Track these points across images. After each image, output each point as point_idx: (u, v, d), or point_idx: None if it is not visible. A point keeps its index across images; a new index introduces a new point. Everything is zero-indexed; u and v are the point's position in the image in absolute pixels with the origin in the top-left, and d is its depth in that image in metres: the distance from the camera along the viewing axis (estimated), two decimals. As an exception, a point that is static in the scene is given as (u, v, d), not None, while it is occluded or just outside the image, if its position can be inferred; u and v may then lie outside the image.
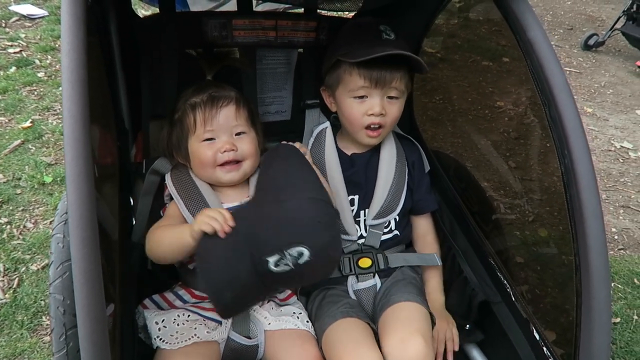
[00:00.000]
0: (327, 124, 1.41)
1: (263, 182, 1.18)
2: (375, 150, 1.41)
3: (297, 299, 1.30)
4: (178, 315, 1.14)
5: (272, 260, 0.97)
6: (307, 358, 1.15)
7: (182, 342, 1.08)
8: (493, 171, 2.01)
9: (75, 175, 0.66)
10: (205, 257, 1.04)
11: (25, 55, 3.94)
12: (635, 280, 2.33)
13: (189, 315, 1.15)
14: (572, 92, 1.01)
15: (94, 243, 0.65)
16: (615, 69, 4.93)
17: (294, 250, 0.97)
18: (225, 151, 1.21)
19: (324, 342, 1.18)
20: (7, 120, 3.10)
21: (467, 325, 1.31)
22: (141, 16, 1.41)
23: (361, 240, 1.35)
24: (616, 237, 2.67)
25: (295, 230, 1.00)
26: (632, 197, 3.04)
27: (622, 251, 2.57)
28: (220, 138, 1.23)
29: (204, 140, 1.23)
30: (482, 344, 1.32)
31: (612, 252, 2.56)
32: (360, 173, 1.38)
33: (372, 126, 1.30)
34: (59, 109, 3.31)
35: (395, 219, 1.38)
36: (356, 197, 1.36)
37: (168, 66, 1.32)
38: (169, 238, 1.14)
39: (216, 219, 1.02)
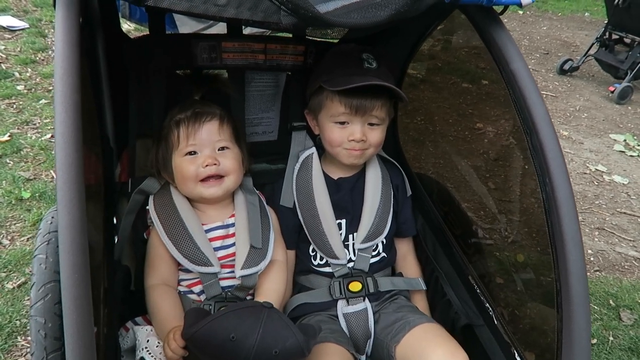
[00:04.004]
0: (313, 149, 1.42)
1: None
2: (361, 174, 1.43)
3: None
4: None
5: None
6: None
7: None
8: (473, 192, 2.05)
9: (67, 200, 0.66)
10: None
11: (4, 67, 3.88)
12: (611, 302, 2.38)
13: (172, 338, 1.14)
14: (552, 122, 1.05)
15: (84, 269, 0.65)
16: (589, 93, 5.09)
17: None
18: (207, 165, 1.21)
19: None
20: (-16, 134, 3.04)
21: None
22: (125, 31, 1.42)
23: (350, 264, 1.36)
24: (592, 259, 2.73)
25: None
26: (607, 219, 3.12)
27: (597, 273, 2.63)
28: (202, 152, 1.23)
29: (187, 154, 1.23)
30: (465, 366, 1.33)
31: (588, 273, 2.61)
32: (346, 197, 1.39)
33: (352, 151, 1.32)
34: (38, 122, 3.26)
35: (382, 242, 1.39)
36: (343, 221, 1.37)
37: (156, 87, 1.32)
38: (157, 318, 1.16)
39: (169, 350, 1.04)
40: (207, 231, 1.24)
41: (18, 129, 3.15)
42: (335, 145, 1.33)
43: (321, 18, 0.93)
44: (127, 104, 1.36)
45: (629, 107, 4.87)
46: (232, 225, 1.27)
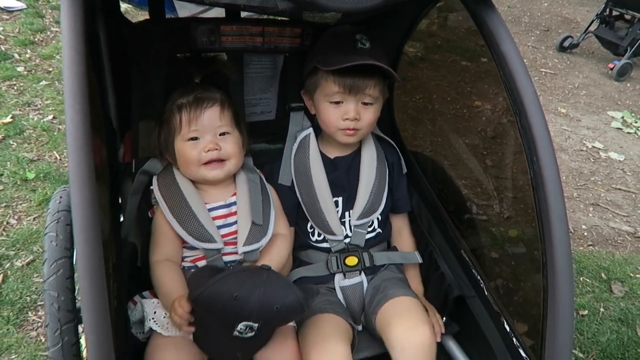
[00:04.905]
0: (310, 129, 1.46)
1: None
2: (357, 153, 1.47)
3: None
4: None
5: (239, 326, 1.05)
6: (288, 353, 1.21)
7: (173, 331, 1.14)
8: (469, 170, 2.09)
9: (79, 182, 0.71)
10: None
11: (3, 49, 3.89)
12: (602, 275, 2.45)
13: (178, 310, 1.20)
14: (540, 103, 1.09)
15: (98, 245, 0.70)
16: (588, 70, 5.09)
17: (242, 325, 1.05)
18: (209, 150, 1.26)
19: (299, 336, 1.24)
20: (-14, 116, 3.07)
21: (444, 318, 1.38)
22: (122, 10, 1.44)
23: (347, 240, 1.41)
24: (586, 234, 2.80)
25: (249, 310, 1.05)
26: (602, 195, 3.17)
27: (590, 247, 2.70)
28: (204, 138, 1.27)
29: (189, 139, 1.27)
30: (458, 335, 1.39)
31: (581, 247, 2.68)
32: (343, 176, 1.44)
33: (347, 130, 1.37)
34: (40, 104, 3.28)
35: (378, 218, 1.45)
36: (340, 199, 1.42)
37: (157, 70, 1.35)
38: (162, 291, 1.21)
39: (177, 317, 1.09)
40: (209, 210, 1.29)
41: (20, 110, 3.18)
42: (330, 125, 1.38)
43: (316, 3, 0.97)
44: (129, 87, 1.39)
45: (628, 84, 4.88)
46: (234, 204, 1.32)
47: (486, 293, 1.33)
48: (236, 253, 1.27)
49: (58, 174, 2.64)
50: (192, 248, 1.27)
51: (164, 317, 1.17)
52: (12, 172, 2.60)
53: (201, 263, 1.28)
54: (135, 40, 1.32)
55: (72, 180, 0.71)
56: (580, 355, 1.99)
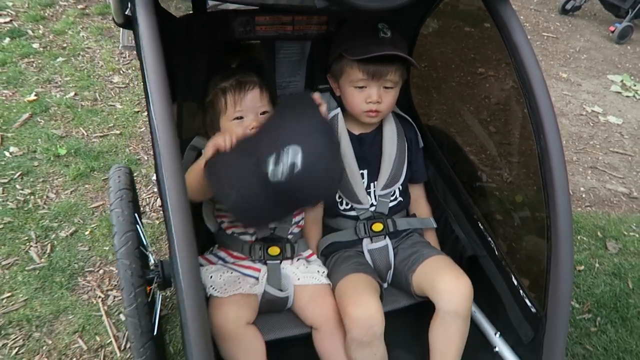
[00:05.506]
0: (339, 110, 1.61)
1: (273, 119, 1.32)
2: (379, 129, 1.63)
3: (317, 257, 1.56)
4: (223, 272, 1.38)
5: (270, 160, 1.11)
6: (327, 308, 1.40)
7: (230, 292, 1.33)
8: (475, 136, 2.24)
9: (169, 154, 0.88)
10: (212, 165, 1.21)
11: (16, 25, 3.96)
12: (599, 233, 2.65)
13: (231, 273, 1.39)
14: (547, 86, 1.24)
15: (187, 210, 0.88)
16: (590, 33, 5.16)
17: (289, 149, 1.10)
18: (253, 128, 1.41)
19: (336, 293, 1.43)
20: (11, 94, 3.19)
21: (458, 276, 1.57)
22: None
23: (372, 208, 1.58)
24: (584, 196, 2.98)
25: (294, 134, 1.15)
26: (600, 158, 3.34)
27: (588, 208, 2.89)
28: (248, 117, 1.43)
29: (234, 119, 1.43)
30: (470, 291, 1.59)
31: (579, 209, 2.87)
32: (367, 151, 1.60)
33: (370, 112, 1.52)
34: (60, 80, 3.39)
35: (399, 188, 1.62)
36: (365, 172, 1.59)
37: (200, 58, 1.49)
38: (193, 172, 1.31)
39: (223, 138, 1.23)
40: None
41: (42, 87, 3.29)
42: (355, 107, 1.53)
43: (349, 2, 1.11)
44: (172, 74, 1.53)
45: (628, 47, 4.96)
46: None
47: (496, 253, 1.51)
48: None
49: (87, 150, 2.79)
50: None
51: (220, 279, 1.35)
52: (45, 149, 2.74)
53: (251, 230, 1.45)
54: (180, 33, 1.45)
55: (164, 153, 0.88)
56: (577, 305, 2.20)
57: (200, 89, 1.51)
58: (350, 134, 1.60)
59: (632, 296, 2.26)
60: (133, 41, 1.58)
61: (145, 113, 3.16)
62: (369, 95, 1.49)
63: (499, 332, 1.46)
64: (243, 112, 1.42)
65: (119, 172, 1.55)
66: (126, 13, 1.37)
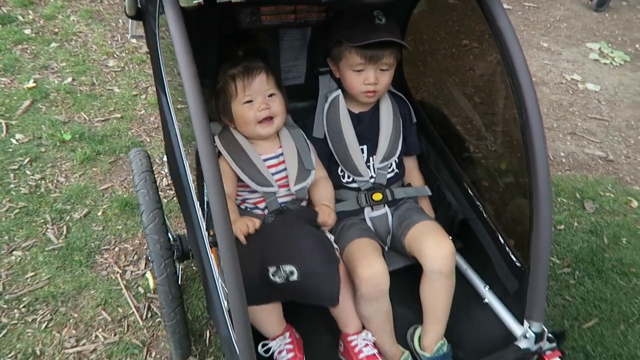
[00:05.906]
0: (339, 91, 1.75)
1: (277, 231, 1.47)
2: (376, 108, 1.78)
3: None
4: None
5: (271, 270, 1.31)
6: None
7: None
8: (461, 108, 2.39)
9: (207, 150, 1.01)
10: None
11: (5, 11, 3.97)
12: (577, 195, 2.85)
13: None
14: (527, 66, 1.38)
15: (221, 186, 1.02)
16: (569, 2, 5.29)
17: (287, 267, 1.31)
18: (262, 110, 1.55)
19: (344, 256, 1.60)
20: (9, 81, 3.25)
21: (450, 237, 1.74)
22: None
23: (372, 180, 1.74)
24: (563, 160, 3.18)
25: (292, 255, 1.35)
26: (579, 124, 3.53)
27: (568, 172, 3.08)
28: (257, 100, 1.55)
29: (245, 102, 1.55)
30: (462, 251, 1.76)
31: (559, 172, 3.07)
32: (366, 127, 1.75)
33: (368, 93, 1.66)
34: (56, 66, 3.45)
35: (395, 161, 1.77)
36: (365, 147, 1.73)
37: (210, 47, 1.61)
38: None
39: (247, 225, 1.39)
40: (263, 160, 1.61)
41: (39, 74, 3.35)
42: (354, 89, 1.67)
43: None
44: None
45: (606, 14, 5.11)
46: (281, 154, 1.63)
47: (485, 215, 1.69)
48: (287, 195, 1.60)
49: (91, 134, 2.89)
50: (254, 191, 1.59)
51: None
52: (50, 135, 2.84)
53: (262, 205, 1.60)
54: (192, 24, 1.56)
55: (198, 135, 1.01)
56: (557, 261, 2.41)
57: (211, 76, 1.63)
58: (350, 113, 1.75)
59: (607, 251, 2.48)
60: (142, 31, 1.70)
61: (144, 96, 3.25)
62: (367, 78, 1.63)
63: (488, 286, 1.65)
64: (252, 96, 1.55)
65: (139, 155, 1.68)
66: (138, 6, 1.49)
